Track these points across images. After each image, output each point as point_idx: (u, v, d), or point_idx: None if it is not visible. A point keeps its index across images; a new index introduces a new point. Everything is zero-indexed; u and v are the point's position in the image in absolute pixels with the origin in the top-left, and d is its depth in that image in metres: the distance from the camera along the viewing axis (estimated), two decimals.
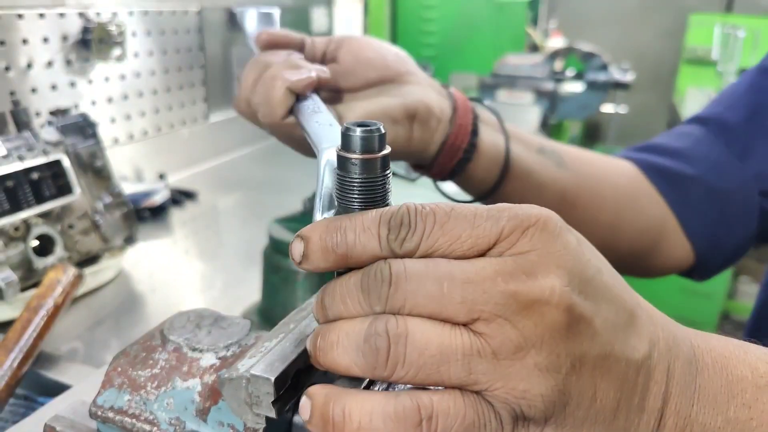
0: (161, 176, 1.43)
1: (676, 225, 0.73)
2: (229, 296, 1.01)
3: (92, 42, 1.26)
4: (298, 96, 0.51)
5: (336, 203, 0.38)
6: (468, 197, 0.66)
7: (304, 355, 0.38)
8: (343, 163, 0.36)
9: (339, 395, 0.29)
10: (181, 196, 1.43)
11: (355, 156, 0.35)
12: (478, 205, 0.30)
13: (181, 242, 1.23)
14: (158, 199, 1.33)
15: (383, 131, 0.36)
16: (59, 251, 0.97)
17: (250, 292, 0.98)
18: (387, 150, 0.36)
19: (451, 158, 0.58)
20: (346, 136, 0.36)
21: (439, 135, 0.57)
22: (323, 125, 0.52)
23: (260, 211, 1.34)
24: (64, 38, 1.22)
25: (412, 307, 0.28)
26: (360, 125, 0.36)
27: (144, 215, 1.30)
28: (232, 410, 0.37)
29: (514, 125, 0.63)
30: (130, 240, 1.08)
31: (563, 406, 0.27)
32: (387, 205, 0.37)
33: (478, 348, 0.26)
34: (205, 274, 1.10)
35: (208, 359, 0.43)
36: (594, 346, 0.27)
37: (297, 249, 0.32)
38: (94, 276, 1.02)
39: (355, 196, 0.36)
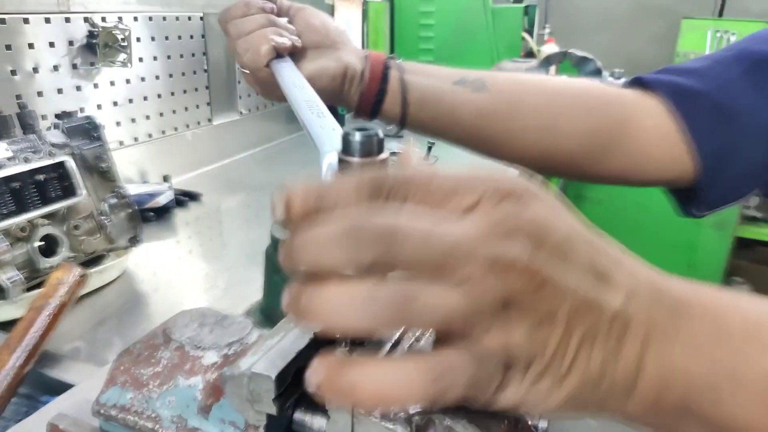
0: (165, 178, 1.44)
1: (656, 129, 0.74)
2: (231, 296, 1.02)
3: (98, 46, 1.27)
4: (278, 53, 0.71)
5: None
6: None
7: (304, 352, 0.38)
8: (343, 166, 0.37)
9: (348, 363, 0.29)
10: (184, 198, 1.44)
11: (355, 159, 0.37)
12: (457, 173, 0.31)
13: (185, 242, 1.24)
14: (162, 200, 1.34)
15: (381, 136, 0.37)
16: (64, 251, 0.98)
17: (253, 291, 0.99)
18: (385, 154, 0.38)
19: (368, 102, 0.77)
20: (346, 141, 0.37)
21: (356, 88, 0.77)
22: (326, 129, 0.55)
23: (263, 213, 1.35)
24: (70, 42, 1.24)
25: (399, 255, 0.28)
26: (359, 130, 0.37)
27: (148, 216, 1.31)
28: (234, 407, 0.37)
29: (439, 67, 0.82)
30: (134, 240, 1.09)
31: (539, 355, 0.29)
32: None
33: (458, 300, 0.27)
34: (208, 274, 1.11)
35: (211, 357, 0.44)
36: (564, 302, 0.28)
37: (278, 209, 0.32)
38: (99, 276, 1.03)
39: None
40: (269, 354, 0.37)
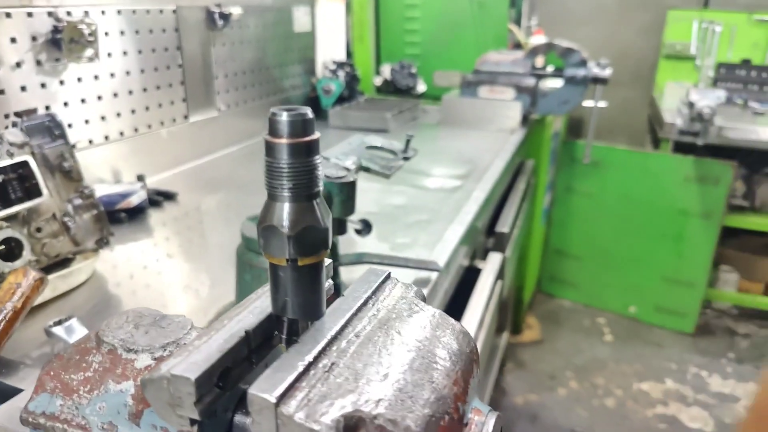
0: (140, 177, 1.41)
1: None
2: (208, 297, 0.99)
3: (63, 42, 1.24)
4: None
5: (267, 191, 0.36)
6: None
7: (233, 351, 0.36)
8: (270, 148, 0.34)
9: None
10: (159, 197, 1.40)
11: (283, 141, 0.34)
12: None
13: (161, 244, 1.21)
14: (135, 200, 1.30)
15: (310, 116, 0.34)
16: (27, 255, 0.94)
17: (230, 290, 0.96)
18: (315, 135, 0.35)
19: None
20: (273, 122, 0.34)
21: None
22: None
23: (242, 211, 1.31)
24: (33, 38, 1.20)
25: None
26: (287, 110, 0.34)
27: (120, 217, 1.28)
28: (157, 413, 0.34)
29: None
30: (102, 242, 1.05)
31: None
32: (317, 192, 0.35)
33: None
34: (185, 275, 1.08)
35: (144, 360, 0.41)
36: None
37: None
38: (64, 280, 0.99)
39: (284, 182, 0.34)
40: (193, 354, 0.34)
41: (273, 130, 0.34)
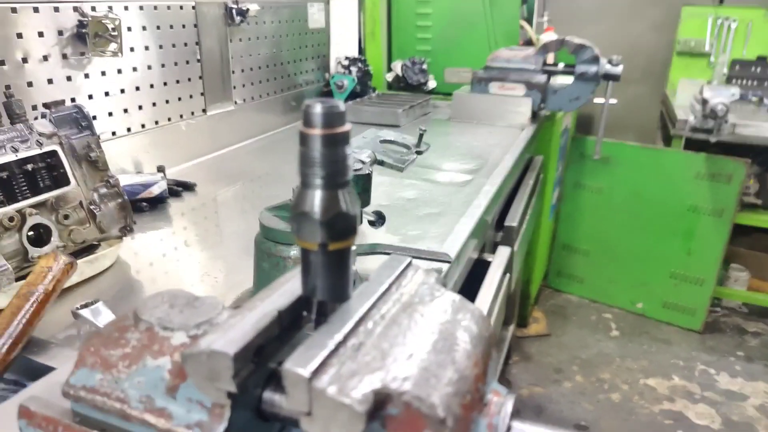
0: (159, 168, 1.44)
1: None
2: (226, 283, 1.02)
3: (88, 36, 1.27)
4: None
5: (299, 180, 0.38)
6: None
7: (267, 329, 0.38)
8: (304, 138, 0.37)
9: None
10: (178, 188, 1.44)
11: (316, 131, 0.36)
12: None
13: (181, 233, 1.24)
14: (155, 190, 1.34)
15: (342, 109, 0.37)
16: (54, 241, 0.98)
17: (247, 278, 0.99)
18: (347, 126, 0.37)
19: None
20: (307, 113, 0.37)
21: None
22: None
23: (258, 202, 1.35)
24: (60, 32, 1.23)
25: None
26: (321, 102, 0.37)
27: (142, 206, 1.31)
28: (196, 386, 0.37)
29: None
30: (125, 230, 1.09)
31: None
32: (347, 182, 0.38)
33: None
34: (203, 263, 1.11)
35: (179, 338, 0.44)
36: None
37: None
38: (90, 265, 1.03)
39: (317, 170, 0.37)
40: (230, 332, 0.37)
41: (307, 121, 0.36)
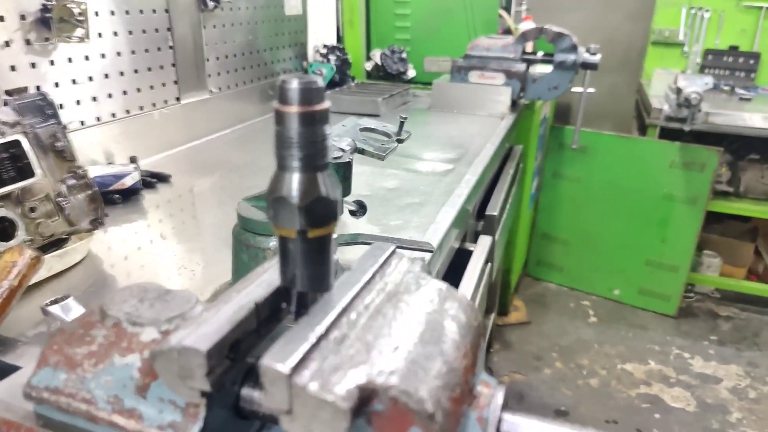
0: (132, 159, 1.40)
1: None
2: (203, 277, 0.99)
3: (52, 21, 1.21)
4: None
5: (276, 162, 0.36)
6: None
7: (243, 323, 0.36)
8: (280, 117, 0.34)
9: None
10: (153, 179, 1.39)
11: (293, 108, 0.34)
12: None
13: (155, 225, 1.20)
14: (128, 181, 1.29)
15: (321, 84, 0.34)
16: (21, 235, 0.94)
17: (226, 271, 0.96)
18: (326, 104, 0.35)
19: None
20: (283, 89, 0.34)
21: None
22: None
23: (236, 193, 1.31)
24: (22, 17, 1.18)
25: None
26: (298, 78, 0.34)
27: (114, 199, 1.27)
28: (167, 385, 0.35)
29: None
30: (97, 222, 1.04)
31: None
32: (326, 164, 0.36)
33: None
34: (180, 256, 1.07)
35: (149, 333, 0.41)
36: None
37: None
38: (60, 259, 0.99)
39: (295, 151, 0.34)
40: (203, 327, 0.34)
41: (283, 98, 0.34)
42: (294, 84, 0.33)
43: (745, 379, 2.50)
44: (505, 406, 0.39)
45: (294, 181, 0.34)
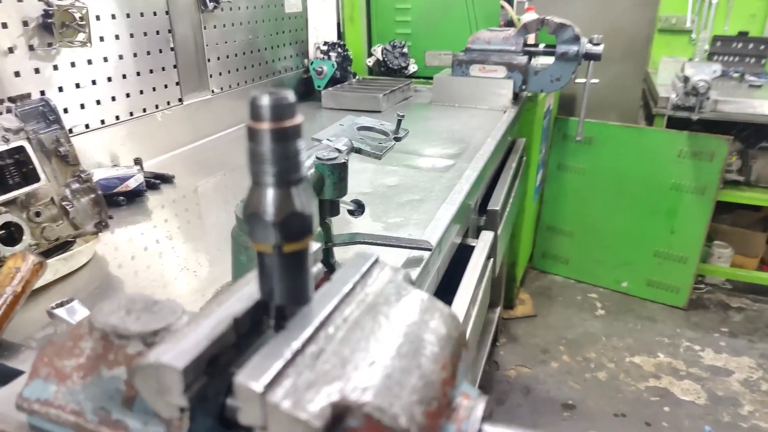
0: (137, 161, 1.41)
1: None
2: (207, 277, 1.01)
3: (54, 26, 1.23)
4: None
5: (250, 178, 0.36)
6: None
7: (222, 338, 0.37)
8: (252, 134, 0.35)
9: None
10: (156, 181, 1.41)
11: (264, 125, 0.34)
12: None
13: (161, 226, 1.22)
14: (132, 183, 1.31)
15: (292, 100, 0.35)
16: (27, 239, 0.95)
17: (227, 271, 0.97)
18: (298, 119, 0.35)
19: None
20: (253, 106, 0.34)
21: None
22: None
23: (240, 193, 1.33)
24: (25, 23, 1.19)
25: None
26: (268, 94, 0.34)
27: (119, 201, 1.28)
28: (146, 400, 0.36)
29: None
30: (101, 225, 1.06)
31: None
32: (300, 179, 0.36)
33: None
34: (184, 256, 1.09)
35: (135, 346, 0.42)
36: None
37: None
38: (66, 263, 1.01)
39: (267, 168, 0.35)
40: (182, 342, 0.35)
41: (254, 115, 0.34)
42: (265, 101, 0.33)
43: (757, 372, 2.47)
44: (488, 418, 0.39)
45: (268, 197, 0.35)
